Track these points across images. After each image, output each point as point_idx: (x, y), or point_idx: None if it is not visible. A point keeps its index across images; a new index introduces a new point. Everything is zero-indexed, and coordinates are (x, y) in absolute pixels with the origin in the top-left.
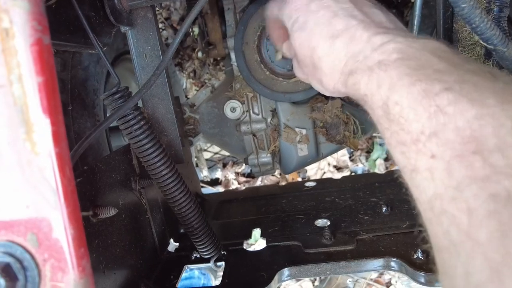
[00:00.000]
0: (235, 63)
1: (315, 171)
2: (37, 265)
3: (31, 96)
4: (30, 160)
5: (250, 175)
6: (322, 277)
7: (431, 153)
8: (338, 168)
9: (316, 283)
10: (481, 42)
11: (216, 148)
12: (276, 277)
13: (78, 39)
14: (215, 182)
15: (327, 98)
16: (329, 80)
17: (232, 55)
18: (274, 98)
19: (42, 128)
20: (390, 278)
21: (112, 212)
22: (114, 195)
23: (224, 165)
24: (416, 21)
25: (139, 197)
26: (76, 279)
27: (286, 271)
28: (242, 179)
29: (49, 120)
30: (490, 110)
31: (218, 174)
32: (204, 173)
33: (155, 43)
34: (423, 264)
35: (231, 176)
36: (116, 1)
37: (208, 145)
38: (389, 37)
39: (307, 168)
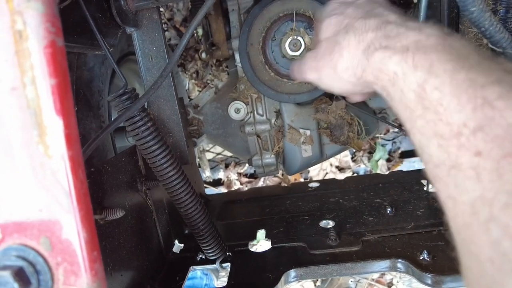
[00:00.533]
0: (240, 64)
1: (318, 171)
2: (50, 268)
3: (45, 98)
4: (43, 163)
5: (253, 176)
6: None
7: (476, 150)
8: (340, 169)
9: (318, 283)
10: (490, 45)
11: (218, 149)
12: (282, 279)
13: (85, 40)
14: (217, 182)
15: (331, 99)
16: (351, 51)
17: (237, 56)
18: (279, 99)
19: (55, 131)
20: (392, 278)
21: (119, 214)
22: (121, 196)
23: (227, 166)
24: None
25: (145, 199)
26: (89, 282)
27: (292, 273)
28: (245, 179)
29: (62, 123)
30: None
31: (221, 174)
32: (206, 174)
33: (161, 44)
34: (429, 265)
35: (233, 176)
36: (122, 2)
37: (211, 145)
38: (423, 25)
39: (310, 168)
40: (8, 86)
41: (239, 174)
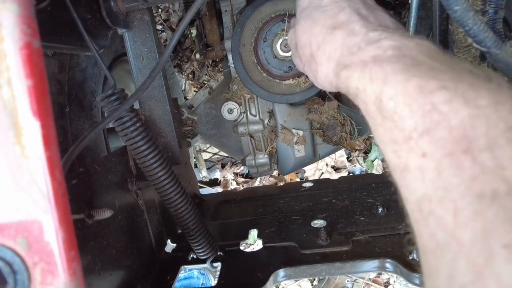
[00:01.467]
0: (233, 65)
1: (313, 171)
2: (27, 268)
3: (21, 99)
4: (20, 164)
5: (249, 176)
6: (321, 277)
7: (422, 152)
8: (336, 169)
9: (315, 283)
10: (475, 44)
11: (215, 149)
12: (271, 278)
13: (74, 42)
14: (214, 182)
15: (324, 99)
16: (324, 70)
17: (229, 57)
18: (271, 100)
19: (32, 132)
20: (389, 278)
21: (107, 214)
22: (111, 196)
23: (223, 166)
24: (412, 22)
25: (135, 198)
26: (66, 282)
27: (281, 272)
28: (241, 179)
29: (39, 124)
30: (484, 110)
31: (217, 174)
32: (203, 174)
33: (152, 45)
34: (418, 265)
35: (229, 176)
36: (112, 4)
37: (207, 146)
38: (386, 35)
39: (305, 168)
40: None
41: (236, 174)
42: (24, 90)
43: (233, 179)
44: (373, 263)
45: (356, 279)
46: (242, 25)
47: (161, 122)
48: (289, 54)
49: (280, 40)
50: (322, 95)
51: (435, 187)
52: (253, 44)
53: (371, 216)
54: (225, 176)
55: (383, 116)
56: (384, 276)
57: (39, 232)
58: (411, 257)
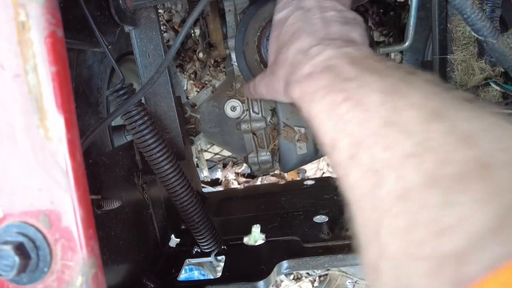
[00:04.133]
0: (236, 63)
1: (315, 171)
2: (48, 244)
3: (45, 85)
4: (43, 145)
5: (250, 175)
6: (322, 278)
7: (336, 162)
8: None
9: (316, 283)
10: (473, 33)
11: (216, 149)
12: (275, 269)
13: (84, 38)
14: (215, 182)
15: None
16: (280, 87)
17: (233, 55)
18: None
19: (55, 115)
20: None
21: (116, 204)
22: (118, 189)
23: (224, 166)
24: (411, 22)
25: (141, 192)
26: (85, 258)
27: (285, 264)
28: (242, 179)
29: (61, 108)
30: (371, 113)
31: (218, 174)
32: (204, 173)
33: (158, 43)
34: None
35: (231, 176)
36: (120, 1)
37: (209, 146)
38: (322, 48)
39: (307, 168)
40: (11, 74)
41: (237, 174)
42: (48, 76)
43: (234, 179)
44: None
45: (357, 280)
46: (246, 24)
47: (166, 118)
48: None
49: None
50: None
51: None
52: (256, 43)
53: None
54: (227, 176)
55: (316, 132)
56: None
57: (60, 210)
58: None
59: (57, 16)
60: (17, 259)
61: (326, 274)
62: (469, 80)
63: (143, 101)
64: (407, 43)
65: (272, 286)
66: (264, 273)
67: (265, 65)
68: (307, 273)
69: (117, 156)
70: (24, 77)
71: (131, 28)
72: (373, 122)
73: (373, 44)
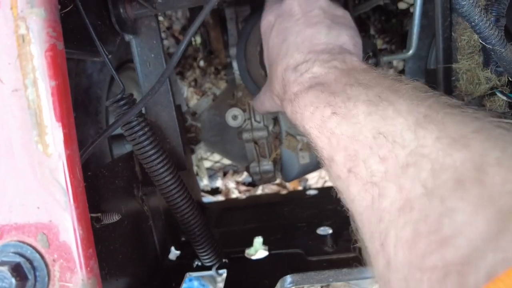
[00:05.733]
0: (237, 72)
1: (316, 179)
2: (46, 265)
3: (45, 99)
4: (41, 162)
5: (251, 184)
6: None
7: (335, 177)
8: None
9: None
10: (480, 41)
11: (216, 157)
12: (278, 284)
13: (84, 47)
14: (215, 191)
15: None
16: (278, 103)
17: (234, 64)
18: None
19: (54, 131)
20: None
21: (115, 217)
22: (117, 201)
23: (225, 174)
24: (415, 31)
25: (141, 204)
26: (84, 279)
27: (288, 278)
28: (243, 188)
29: (61, 123)
30: (360, 125)
31: (219, 183)
32: (204, 182)
33: (159, 52)
34: None
35: (231, 185)
36: (121, 10)
37: (208, 154)
38: (310, 65)
39: (308, 177)
40: (10, 88)
41: (237, 182)
42: (48, 90)
43: (235, 188)
44: None
45: None
46: (244, 43)
47: (167, 128)
48: None
49: None
50: None
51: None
52: (258, 58)
53: None
54: (227, 184)
55: (313, 148)
56: None
57: (59, 229)
58: None
59: (58, 29)
60: (13, 281)
61: (328, 285)
62: (474, 90)
63: (143, 111)
64: (410, 51)
65: None
66: (268, 287)
67: None
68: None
69: (116, 168)
70: (23, 92)
71: (131, 37)
72: (364, 134)
73: (377, 53)
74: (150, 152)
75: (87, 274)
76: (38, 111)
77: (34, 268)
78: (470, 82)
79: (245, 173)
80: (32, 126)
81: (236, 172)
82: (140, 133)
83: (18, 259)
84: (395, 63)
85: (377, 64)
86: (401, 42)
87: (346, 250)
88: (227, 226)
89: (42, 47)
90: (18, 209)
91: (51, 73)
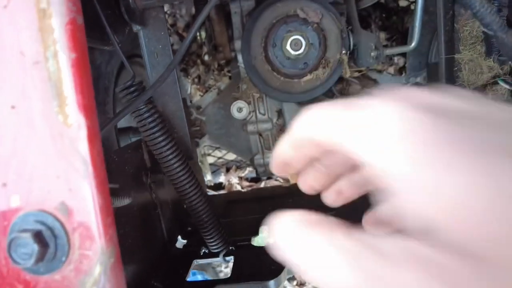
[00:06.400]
0: (242, 65)
1: None
2: (66, 233)
3: (65, 71)
4: (61, 132)
5: (254, 180)
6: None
7: None
8: None
9: None
10: (482, 28)
11: (219, 153)
12: (286, 269)
13: (95, 35)
14: (218, 186)
15: (332, 98)
16: None
17: (239, 57)
18: (295, 100)
19: (74, 101)
20: None
21: (126, 201)
22: (127, 187)
23: (228, 170)
24: (417, 27)
25: (149, 192)
26: (103, 247)
27: None
28: (246, 183)
29: (81, 94)
30: None
31: (222, 178)
32: (207, 178)
33: (166, 43)
34: None
35: (234, 180)
36: (130, 1)
37: (211, 150)
38: None
39: None
40: (31, 60)
41: (240, 178)
42: (68, 62)
43: (237, 183)
44: None
45: None
46: (248, 40)
47: (174, 118)
48: (300, 51)
49: (290, 40)
50: (330, 95)
51: None
52: (263, 54)
53: None
54: (230, 180)
55: None
56: None
57: (78, 198)
58: None
59: (78, 4)
60: (35, 247)
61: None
62: (477, 79)
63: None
64: (412, 44)
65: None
66: (274, 273)
67: (278, 73)
68: None
69: (126, 154)
70: (44, 64)
71: (139, 27)
72: None
73: (380, 47)
74: (160, 139)
75: (106, 243)
76: (59, 83)
77: (54, 236)
78: (472, 72)
79: (248, 169)
80: (53, 97)
81: (239, 167)
82: (150, 119)
83: (39, 227)
84: (395, 60)
85: (380, 56)
86: (402, 39)
87: None
88: (233, 217)
89: (62, 20)
90: (38, 179)
91: (72, 45)
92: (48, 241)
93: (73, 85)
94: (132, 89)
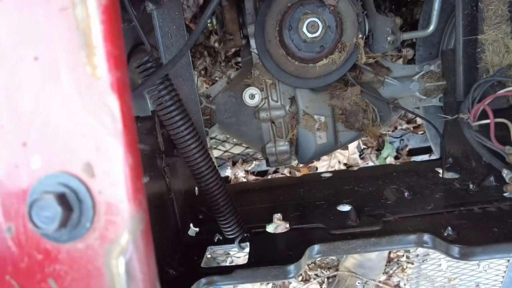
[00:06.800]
0: (255, 50)
1: (326, 168)
2: (92, 197)
3: (95, 18)
4: (89, 85)
5: (260, 173)
6: (330, 280)
7: None
8: (349, 166)
9: (324, 285)
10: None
11: (225, 146)
12: (306, 253)
13: None
14: (225, 180)
15: (346, 84)
16: None
17: (252, 42)
18: (310, 86)
19: (104, 51)
20: (399, 281)
21: (144, 179)
22: (142, 168)
23: (234, 163)
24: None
25: (163, 175)
26: (132, 213)
27: (316, 247)
28: (252, 177)
29: (112, 44)
30: None
31: (228, 172)
32: None
33: (181, 23)
34: (454, 240)
35: (240, 174)
36: None
37: (218, 143)
38: None
39: (318, 165)
40: (57, 6)
41: (247, 171)
42: (98, 9)
43: (244, 177)
44: (411, 238)
45: (367, 281)
46: (263, 23)
47: (188, 101)
48: (317, 34)
49: (306, 22)
50: (345, 81)
51: None
52: (277, 38)
53: (398, 200)
54: (236, 173)
55: None
56: (395, 279)
57: (106, 158)
58: (446, 234)
59: None
60: (59, 209)
61: (335, 276)
62: (502, 59)
63: None
64: (430, 28)
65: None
66: (294, 258)
67: (293, 57)
68: (316, 275)
69: (141, 135)
70: (72, 10)
71: (153, 7)
72: None
73: (397, 31)
74: (177, 118)
75: (136, 208)
76: (87, 31)
77: (79, 200)
78: (496, 54)
79: (254, 162)
80: (80, 47)
81: (245, 161)
82: (167, 97)
83: (63, 189)
84: (404, 51)
85: (396, 41)
86: (411, 31)
87: (370, 224)
88: (245, 206)
89: None
90: (62, 137)
91: None
92: (73, 205)
93: (103, 33)
94: (148, 64)
